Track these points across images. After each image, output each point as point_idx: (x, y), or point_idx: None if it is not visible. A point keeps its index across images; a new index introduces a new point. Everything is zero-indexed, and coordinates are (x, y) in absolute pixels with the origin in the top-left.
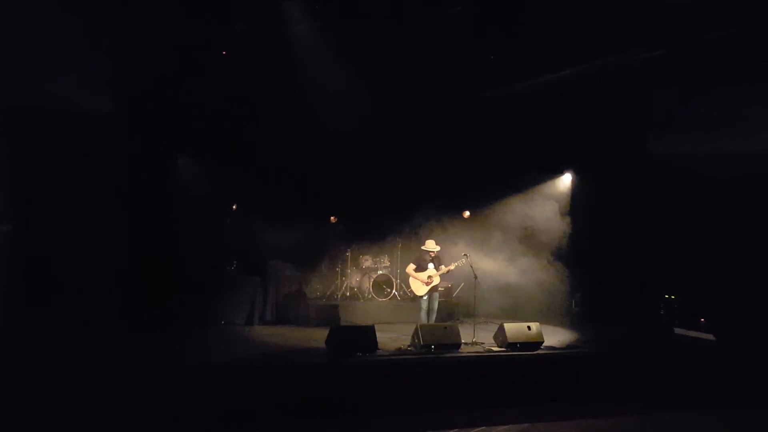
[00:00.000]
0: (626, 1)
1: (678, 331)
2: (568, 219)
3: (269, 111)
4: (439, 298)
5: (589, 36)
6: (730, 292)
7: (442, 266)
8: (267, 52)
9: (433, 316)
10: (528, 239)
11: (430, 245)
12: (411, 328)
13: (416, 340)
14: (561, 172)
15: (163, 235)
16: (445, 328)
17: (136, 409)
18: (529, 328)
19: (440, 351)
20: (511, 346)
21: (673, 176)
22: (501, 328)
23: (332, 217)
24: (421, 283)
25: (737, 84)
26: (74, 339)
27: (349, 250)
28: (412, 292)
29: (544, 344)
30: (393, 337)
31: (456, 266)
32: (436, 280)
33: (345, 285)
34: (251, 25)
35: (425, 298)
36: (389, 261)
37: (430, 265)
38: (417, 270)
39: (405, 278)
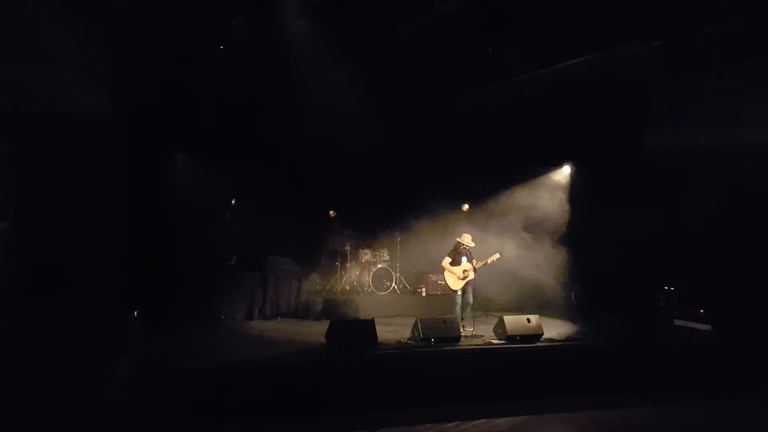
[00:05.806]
0: None
1: (678, 322)
2: (567, 211)
3: (267, 106)
4: (439, 292)
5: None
6: (730, 283)
7: (475, 260)
8: (264, 47)
9: (468, 310)
10: (527, 232)
11: (467, 240)
12: (410, 322)
13: (416, 334)
14: (560, 165)
15: (162, 232)
16: (445, 321)
17: (135, 409)
18: (528, 320)
19: (440, 344)
20: (511, 338)
21: (672, 168)
22: (501, 321)
23: (331, 212)
24: (456, 277)
25: (734, 78)
26: (74, 338)
27: (348, 244)
28: (445, 285)
29: (543, 337)
30: (393, 331)
31: (492, 261)
32: (472, 275)
33: (344, 279)
34: (248, 20)
35: (459, 292)
36: (388, 255)
37: (464, 259)
38: (452, 264)
39: (404, 273)
